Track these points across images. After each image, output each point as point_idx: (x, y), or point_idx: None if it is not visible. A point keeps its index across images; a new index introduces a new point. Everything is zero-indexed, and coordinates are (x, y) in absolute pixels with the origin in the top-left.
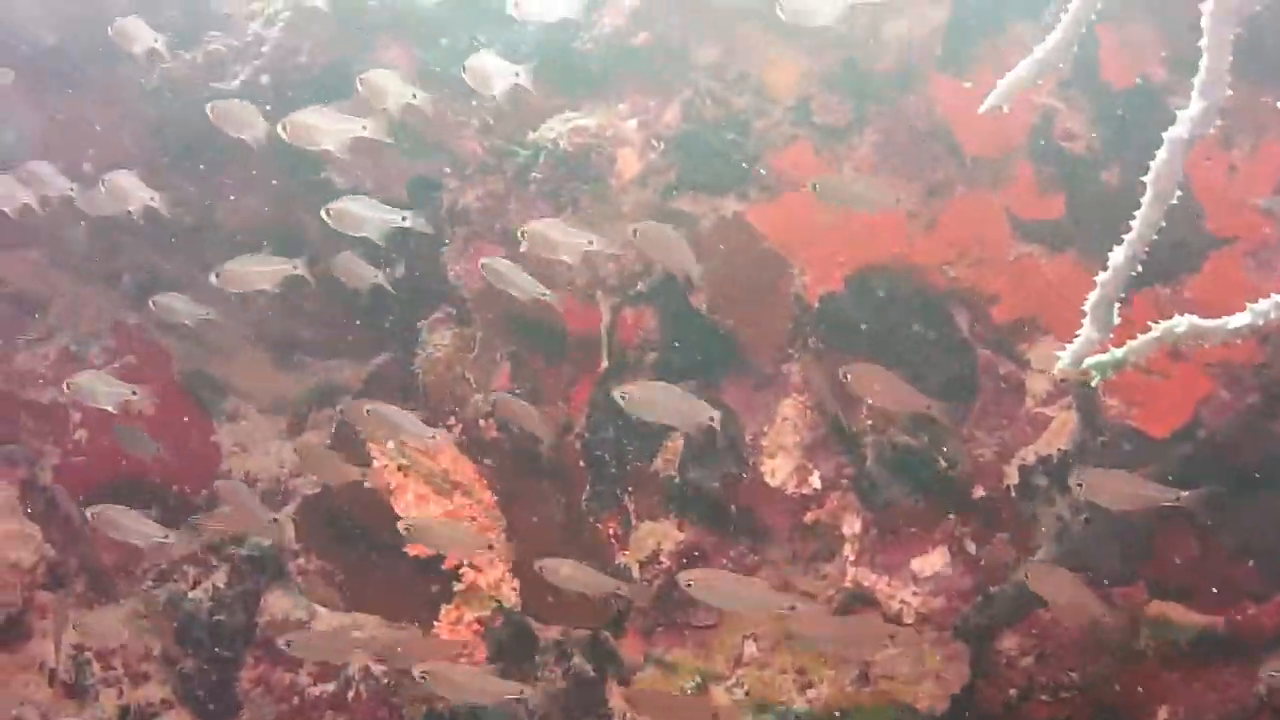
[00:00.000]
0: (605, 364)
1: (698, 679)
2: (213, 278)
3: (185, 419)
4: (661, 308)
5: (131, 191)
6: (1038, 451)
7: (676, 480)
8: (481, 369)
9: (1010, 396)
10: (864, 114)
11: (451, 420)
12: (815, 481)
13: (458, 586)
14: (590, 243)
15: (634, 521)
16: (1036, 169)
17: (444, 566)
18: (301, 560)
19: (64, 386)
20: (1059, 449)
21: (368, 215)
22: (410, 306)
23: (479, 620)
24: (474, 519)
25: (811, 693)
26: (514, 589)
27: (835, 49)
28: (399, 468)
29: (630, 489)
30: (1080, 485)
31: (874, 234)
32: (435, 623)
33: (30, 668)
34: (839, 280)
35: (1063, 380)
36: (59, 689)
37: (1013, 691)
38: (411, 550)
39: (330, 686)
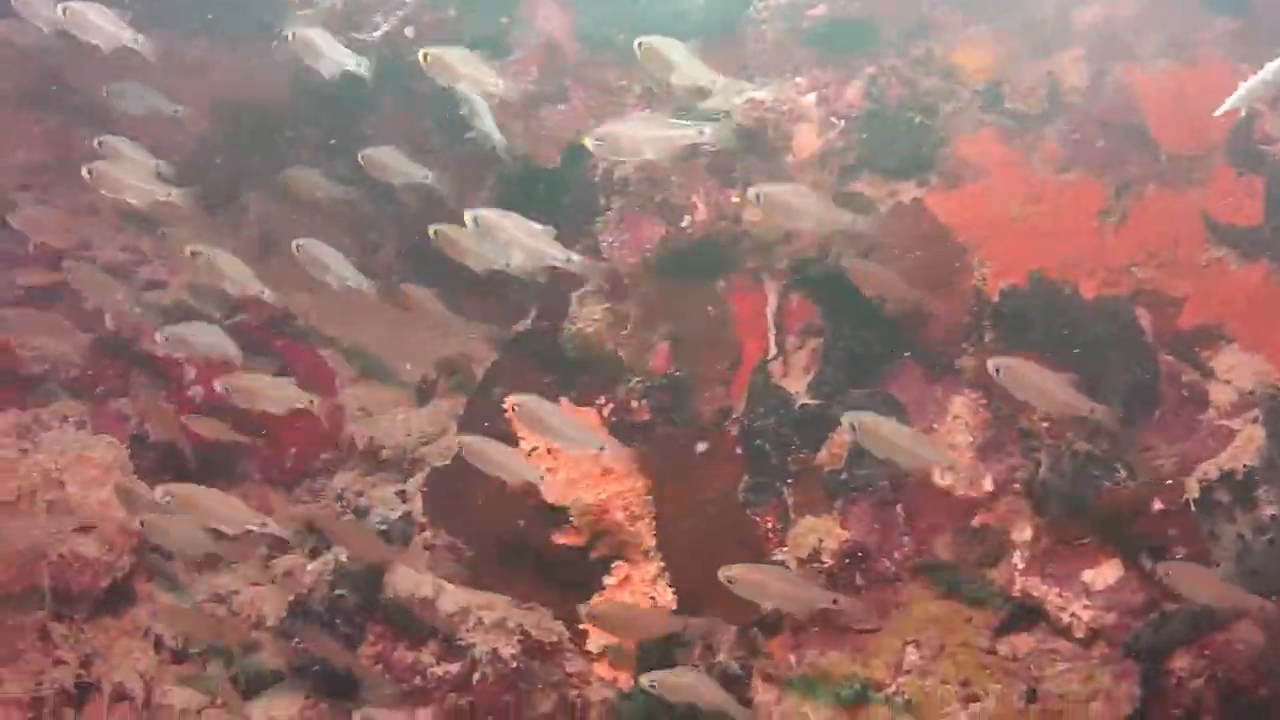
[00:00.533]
0: (773, 350)
1: (856, 686)
2: (84, 171)
3: (308, 378)
4: (829, 294)
5: (104, 27)
6: (1220, 466)
7: (843, 475)
8: (635, 348)
9: (1192, 406)
10: (1057, 102)
11: (601, 400)
12: (987, 484)
13: (609, 581)
14: (358, 65)
15: (793, 516)
16: (1235, 171)
17: (593, 555)
18: (428, 534)
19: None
20: (1244, 464)
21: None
22: (559, 276)
23: None
24: (625, 507)
25: (976, 707)
26: (669, 585)
27: (1028, 34)
28: (548, 450)
29: (790, 481)
30: (998, 371)
31: (1061, 228)
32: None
33: (135, 633)
34: (1022, 274)
35: (1251, 392)
36: (165, 656)
37: (1178, 712)
38: (560, 538)
39: (454, 667)
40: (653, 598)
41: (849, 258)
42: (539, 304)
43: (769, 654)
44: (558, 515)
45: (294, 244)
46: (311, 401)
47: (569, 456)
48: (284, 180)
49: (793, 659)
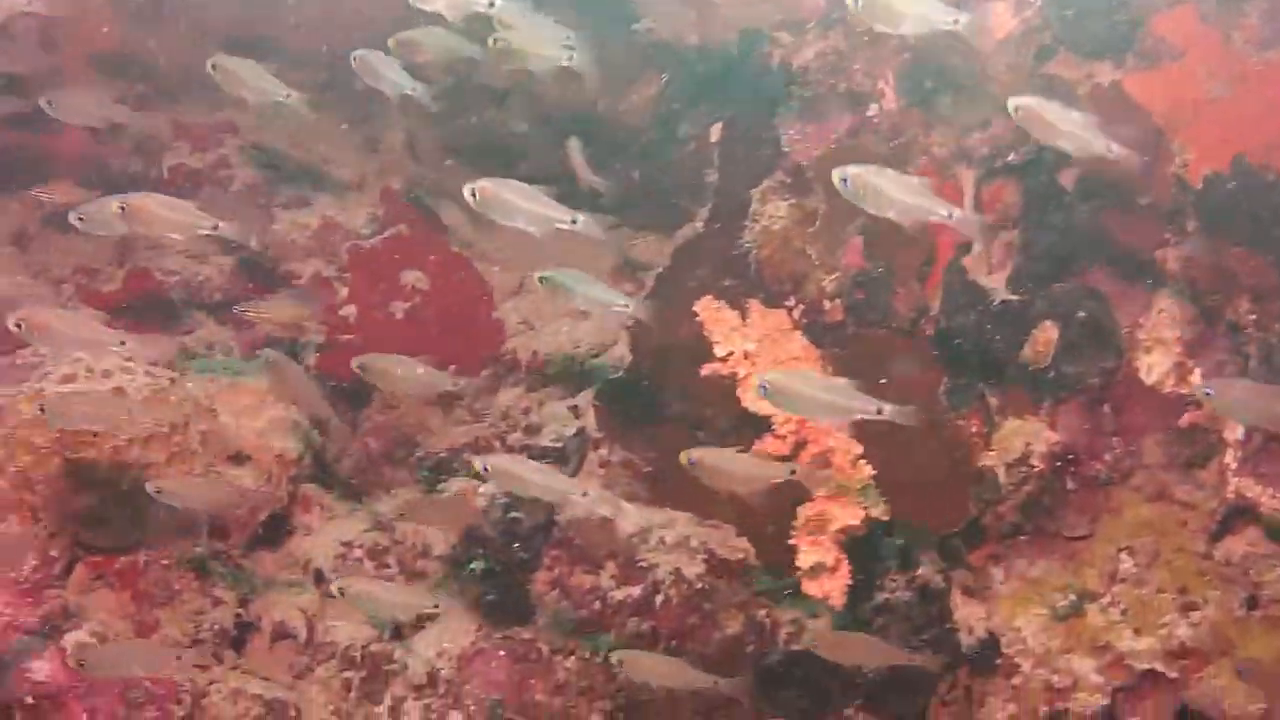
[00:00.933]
0: (978, 244)
1: (1072, 596)
2: None
3: (465, 293)
4: (1026, 183)
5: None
6: None
7: (1050, 374)
8: (825, 243)
9: None
10: None
11: (790, 301)
12: (1196, 380)
13: (819, 491)
14: None
15: (997, 419)
16: None
17: (797, 464)
18: (603, 450)
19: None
20: None
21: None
22: (733, 173)
23: (844, 529)
24: None
25: (1195, 615)
26: (880, 495)
27: None
28: (745, 355)
29: (993, 382)
30: (1016, 110)
31: (1263, 111)
32: (792, 529)
33: (294, 567)
34: (1223, 160)
35: None
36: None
37: None
38: (762, 448)
39: (635, 591)
40: (865, 508)
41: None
42: (712, 204)
43: (971, 566)
44: (757, 423)
45: (209, 63)
46: (216, 226)
47: (767, 359)
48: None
49: (999, 571)
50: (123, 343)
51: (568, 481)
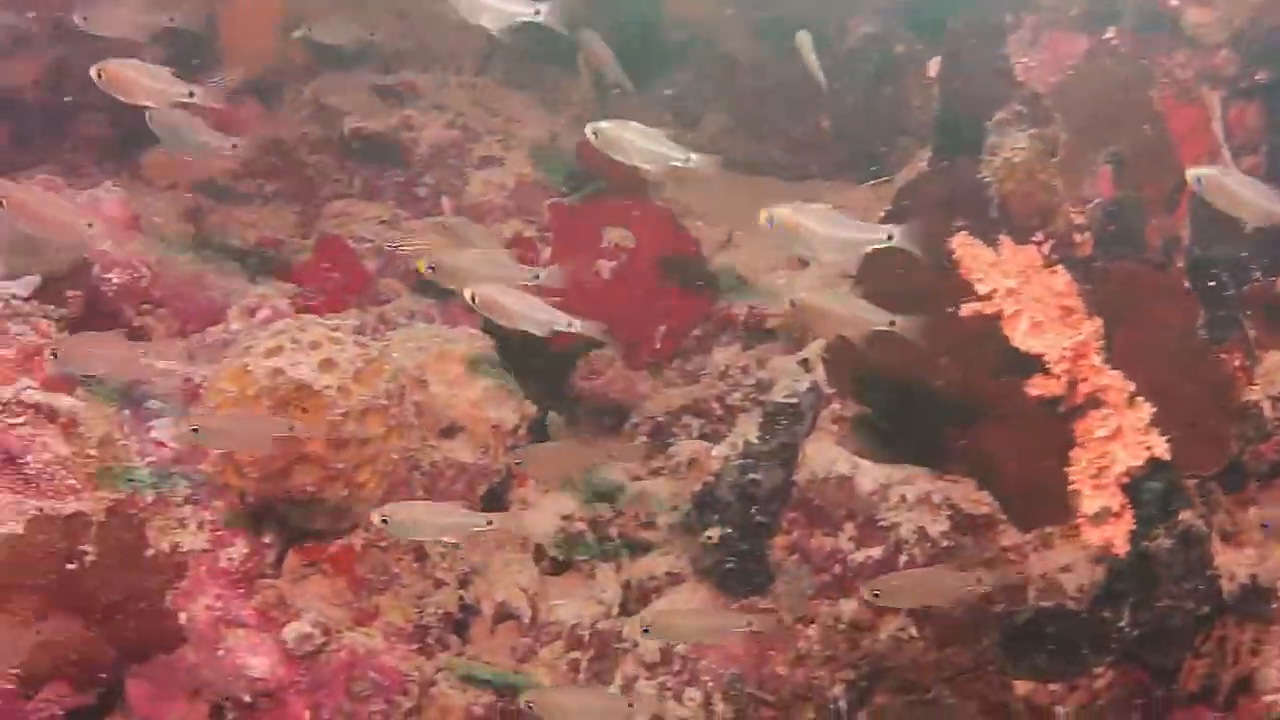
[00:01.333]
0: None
1: None
2: None
3: (671, 249)
4: (1272, 103)
5: None
6: None
7: None
8: (1072, 174)
9: None
10: None
11: (1039, 236)
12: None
13: (1099, 432)
14: None
15: (1257, 351)
16: None
17: (1063, 408)
18: (836, 405)
19: None
20: None
21: None
22: (958, 107)
23: (1128, 472)
24: (1099, 350)
25: None
26: (1161, 435)
27: None
28: (1009, 292)
29: (1251, 312)
30: None
31: None
32: (1068, 472)
33: (512, 544)
34: None
35: None
36: (547, 566)
37: None
38: (1035, 389)
39: (877, 552)
40: (1149, 448)
41: None
42: (935, 141)
43: (1228, 510)
44: (1027, 364)
45: None
46: (191, 93)
47: (1031, 297)
48: None
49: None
50: (90, 224)
51: (553, 312)
